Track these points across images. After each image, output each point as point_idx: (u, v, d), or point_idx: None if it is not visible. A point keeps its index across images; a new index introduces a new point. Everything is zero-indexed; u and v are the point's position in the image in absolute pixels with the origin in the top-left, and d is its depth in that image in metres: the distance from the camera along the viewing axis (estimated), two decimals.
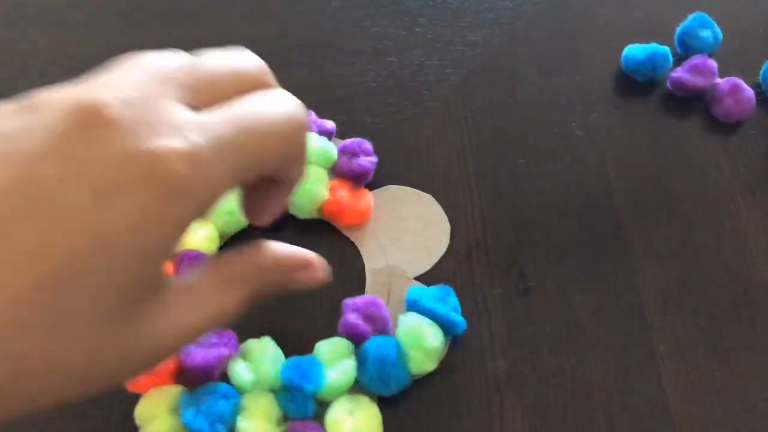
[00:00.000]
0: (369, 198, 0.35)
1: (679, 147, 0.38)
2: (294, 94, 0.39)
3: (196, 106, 0.18)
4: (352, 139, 0.36)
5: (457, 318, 0.31)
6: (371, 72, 0.41)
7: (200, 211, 0.17)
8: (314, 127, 0.36)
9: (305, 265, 0.24)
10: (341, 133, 0.37)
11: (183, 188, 0.16)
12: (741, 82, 0.38)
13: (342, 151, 0.35)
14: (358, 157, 0.35)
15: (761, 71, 0.39)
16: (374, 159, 0.36)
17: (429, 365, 0.30)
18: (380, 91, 0.40)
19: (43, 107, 0.16)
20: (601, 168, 0.37)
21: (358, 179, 0.35)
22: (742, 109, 0.38)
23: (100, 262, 0.16)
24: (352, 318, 0.31)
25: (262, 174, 0.19)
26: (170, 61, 0.18)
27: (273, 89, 0.20)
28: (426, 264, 0.34)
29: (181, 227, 0.17)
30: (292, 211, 0.34)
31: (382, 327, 0.31)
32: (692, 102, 0.39)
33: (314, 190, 0.34)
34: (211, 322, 0.20)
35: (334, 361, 0.30)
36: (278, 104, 0.19)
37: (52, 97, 0.17)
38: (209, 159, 0.17)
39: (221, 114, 0.18)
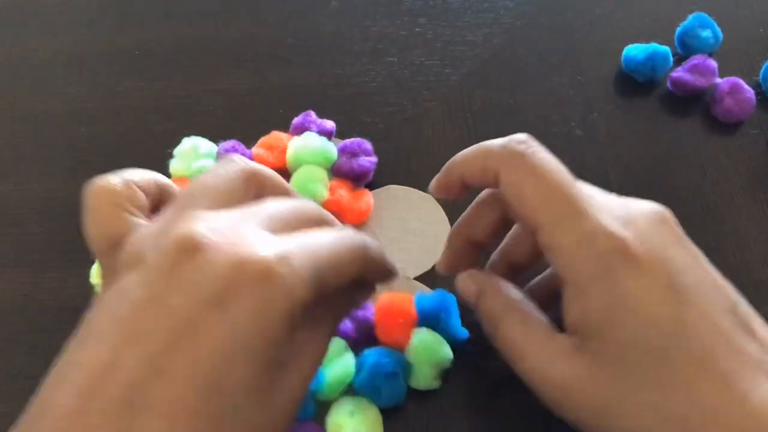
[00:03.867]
0: (369, 198, 0.35)
1: (679, 147, 0.38)
2: (294, 94, 0.40)
3: (273, 233, 0.21)
4: (352, 139, 0.36)
5: (461, 332, 0.31)
6: (371, 72, 0.41)
7: (300, 303, 0.19)
8: (314, 127, 0.36)
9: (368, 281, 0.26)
10: (341, 133, 0.37)
11: (282, 282, 0.19)
12: (741, 82, 0.38)
13: (342, 151, 0.35)
14: (358, 157, 0.35)
15: (761, 71, 0.39)
16: (374, 159, 0.36)
17: (433, 383, 0.30)
18: (380, 91, 0.40)
19: (150, 254, 0.20)
20: (601, 168, 0.37)
21: (358, 179, 0.35)
22: (742, 109, 0.38)
23: (240, 355, 0.19)
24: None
25: (336, 285, 0.22)
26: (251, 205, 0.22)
27: (333, 226, 0.24)
28: (426, 264, 0.34)
29: (290, 314, 0.19)
30: None
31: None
32: (692, 102, 0.39)
33: (314, 190, 0.34)
34: (317, 364, 0.23)
35: (331, 360, 0.30)
36: (339, 234, 0.22)
37: (155, 242, 0.20)
38: (296, 262, 0.20)
39: (294, 238, 0.21)
